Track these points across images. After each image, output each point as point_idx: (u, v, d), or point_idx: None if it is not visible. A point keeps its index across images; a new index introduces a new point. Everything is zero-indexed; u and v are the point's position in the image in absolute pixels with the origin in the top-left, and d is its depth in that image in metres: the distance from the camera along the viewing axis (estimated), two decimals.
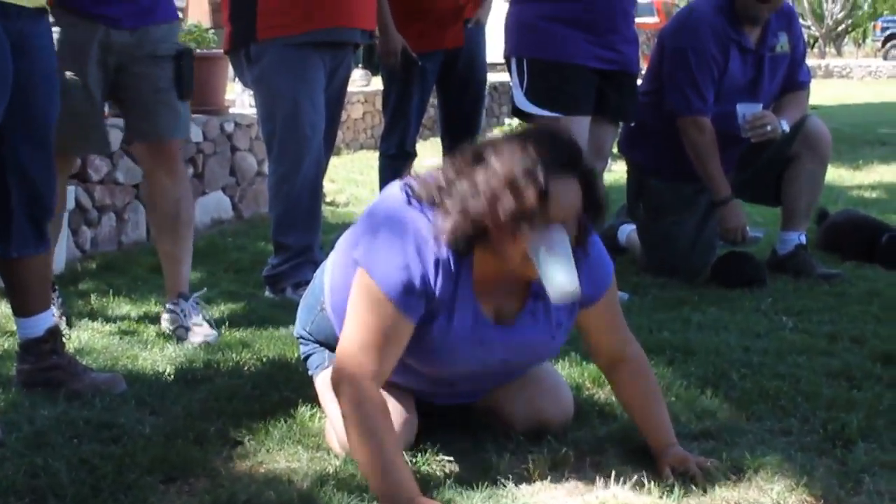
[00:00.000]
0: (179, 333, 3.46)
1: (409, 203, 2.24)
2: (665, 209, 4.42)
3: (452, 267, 2.23)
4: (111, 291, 3.99)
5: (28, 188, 2.76)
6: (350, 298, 2.27)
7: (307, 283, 3.39)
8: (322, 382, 2.57)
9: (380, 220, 2.28)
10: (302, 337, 2.72)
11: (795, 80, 4.40)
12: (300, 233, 4.05)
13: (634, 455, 2.43)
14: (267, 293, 4.12)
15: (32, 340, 2.88)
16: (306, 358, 2.71)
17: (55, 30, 3.20)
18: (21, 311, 2.90)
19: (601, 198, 2.26)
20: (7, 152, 2.70)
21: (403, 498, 2.07)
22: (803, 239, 4.45)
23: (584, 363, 3.05)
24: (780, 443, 2.51)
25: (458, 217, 2.15)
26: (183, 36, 6.43)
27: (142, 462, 2.33)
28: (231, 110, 6.48)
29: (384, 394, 2.30)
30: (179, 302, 3.53)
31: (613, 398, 2.72)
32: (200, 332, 3.45)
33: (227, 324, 3.63)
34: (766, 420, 2.67)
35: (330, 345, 2.57)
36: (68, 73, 3.25)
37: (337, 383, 2.22)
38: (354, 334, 2.23)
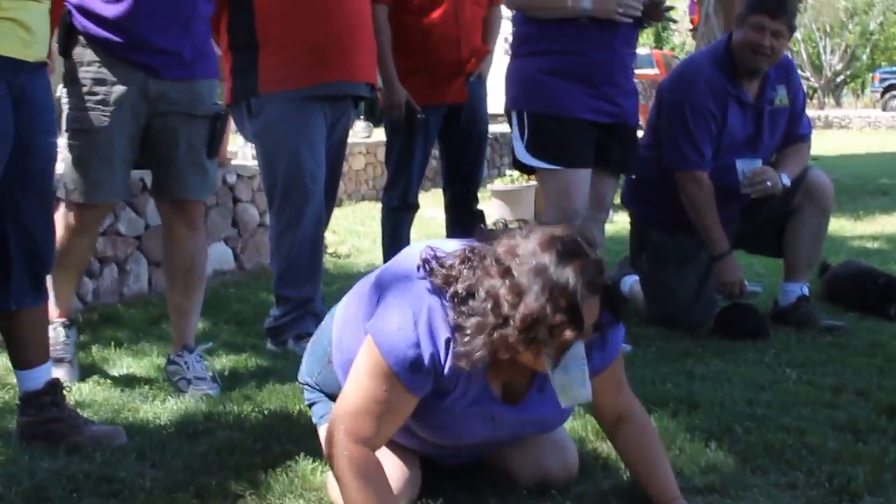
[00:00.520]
0: (181, 385, 3.45)
1: (426, 279, 2.20)
2: (667, 261, 4.41)
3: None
4: (112, 343, 3.98)
5: (27, 241, 2.77)
6: (355, 361, 2.26)
7: (308, 335, 3.42)
8: (326, 433, 2.54)
9: (394, 289, 2.25)
10: (307, 384, 2.70)
11: (796, 132, 4.41)
12: (302, 285, 4.05)
13: None
14: (269, 345, 4.11)
15: (32, 393, 2.87)
16: (311, 405, 2.68)
17: (89, 69, 3.22)
18: (21, 363, 2.90)
19: (622, 305, 2.25)
20: (7, 206, 2.70)
21: None
22: (806, 290, 4.44)
23: (588, 416, 3.03)
24: (786, 497, 2.50)
25: (479, 342, 2.09)
26: None
27: None
28: (233, 162, 6.50)
29: (386, 451, 2.30)
30: (184, 354, 3.52)
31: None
32: (202, 385, 3.43)
33: (228, 376, 3.62)
34: (771, 473, 2.65)
35: (335, 397, 2.53)
36: (96, 116, 3.25)
37: (330, 442, 2.21)
38: (353, 398, 2.22)
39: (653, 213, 4.48)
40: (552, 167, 3.83)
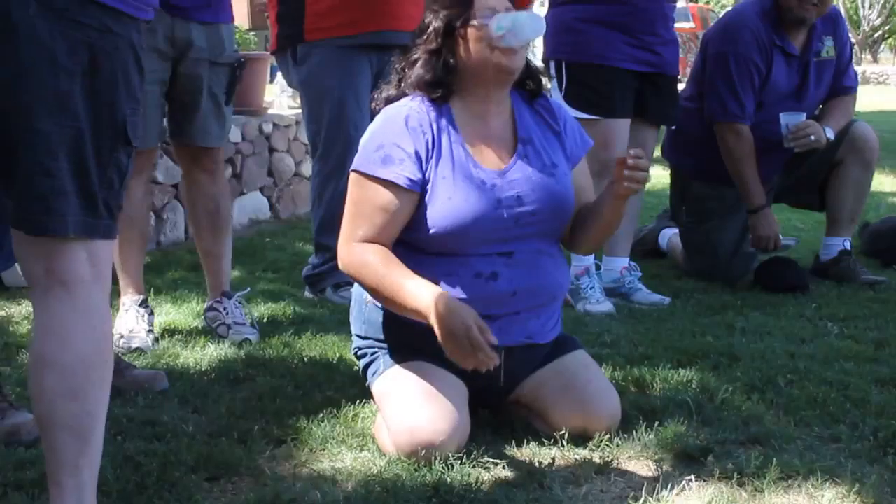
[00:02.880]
0: (220, 331, 3.48)
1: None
2: (708, 214, 4.37)
3: (430, 115, 2.51)
4: (151, 291, 3.99)
5: None
6: (347, 197, 2.54)
7: (347, 284, 3.53)
8: (378, 388, 2.57)
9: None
10: (359, 347, 2.70)
11: (841, 85, 4.34)
12: None
13: (682, 459, 2.40)
14: (307, 293, 4.11)
15: None
16: (365, 368, 2.68)
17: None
18: None
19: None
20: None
21: (422, 314, 2.31)
22: (848, 245, 4.39)
23: (629, 367, 3.03)
24: (830, 450, 2.48)
25: (413, 59, 2.56)
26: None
27: (186, 460, 2.33)
28: (269, 111, 6.49)
29: (437, 395, 2.40)
30: (222, 300, 3.54)
31: (660, 402, 2.69)
32: (242, 330, 3.45)
33: (267, 323, 3.63)
34: (814, 426, 2.62)
35: (384, 339, 2.60)
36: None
37: (342, 263, 2.49)
38: (347, 219, 2.51)
39: (695, 165, 4.43)
40: (591, 117, 3.79)
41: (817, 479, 2.26)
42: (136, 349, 3.29)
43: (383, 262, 2.41)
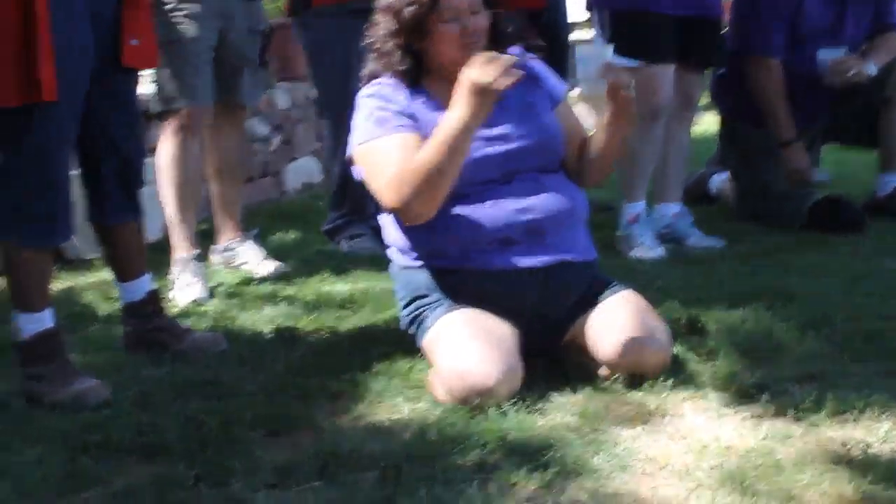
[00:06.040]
0: (249, 267, 3.85)
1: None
2: (758, 154, 4.34)
3: (406, 92, 2.66)
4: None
5: (119, 159, 2.82)
6: (364, 175, 2.67)
7: (360, 235, 4.10)
8: (428, 339, 2.61)
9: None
10: (405, 315, 2.75)
11: (884, 21, 4.29)
12: (357, 197, 4.10)
13: (736, 397, 2.41)
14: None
15: (134, 304, 2.94)
16: (414, 332, 2.72)
17: None
18: (121, 276, 2.97)
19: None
20: (96, 125, 2.75)
21: (460, 118, 2.47)
22: None
23: (683, 309, 3.03)
24: (887, 384, 2.46)
25: (384, 49, 2.66)
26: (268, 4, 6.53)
27: (246, 417, 2.37)
28: None
29: (489, 342, 2.45)
30: (243, 238, 3.98)
31: (714, 343, 2.70)
32: (270, 264, 3.86)
33: (322, 283, 3.67)
34: (871, 363, 2.61)
35: (428, 295, 2.65)
36: (184, 28, 3.58)
37: (396, 202, 2.54)
38: (374, 180, 2.61)
39: (742, 106, 4.39)
40: (635, 63, 3.77)
41: (874, 412, 2.26)
42: (194, 301, 3.47)
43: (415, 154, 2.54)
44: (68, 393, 2.56)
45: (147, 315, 2.94)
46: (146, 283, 2.97)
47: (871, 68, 4.10)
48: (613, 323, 2.58)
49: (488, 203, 2.59)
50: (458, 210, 2.57)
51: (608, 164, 2.84)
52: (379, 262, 3.92)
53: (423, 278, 2.65)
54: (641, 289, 3.20)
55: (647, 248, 3.87)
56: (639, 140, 3.82)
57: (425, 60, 2.66)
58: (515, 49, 2.72)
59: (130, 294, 2.95)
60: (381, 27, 2.68)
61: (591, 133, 2.79)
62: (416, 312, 2.67)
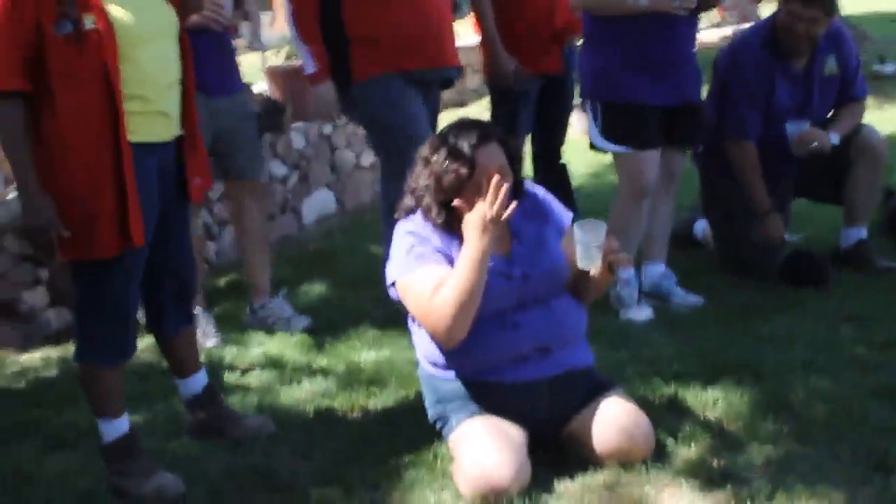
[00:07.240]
0: (277, 326, 4.46)
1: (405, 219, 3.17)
2: (735, 211, 4.79)
3: (442, 231, 3.09)
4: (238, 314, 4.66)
5: (177, 281, 3.28)
6: (409, 308, 3.10)
7: None
8: (452, 440, 3.11)
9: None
10: (433, 414, 3.24)
11: (848, 95, 4.75)
12: None
13: (707, 484, 2.90)
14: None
15: (197, 398, 3.42)
16: (440, 429, 3.22)
17: None
18: (179, 373, 3.43)
19: (517, 153, 3.29)
20: (159, 257, 3.17)
21: (476, 248, 2.94)
22: (864, 234, 4.84)
23: (665, 387, 3.51)
24: (833, 470, 2.93)
25: (424, 202, 3.08)
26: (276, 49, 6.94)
27: None
28: None
29: (499, 445, 2.93)
30: (274, 299, 4.58)
31: (688, 427, 3.20)
32: (300, 321, 4.48)
33: (350, 349, 4.18)
34: (819, 446, 3.08)
35: (452, 401, 3.15)
36: None
37: (438, 328, 3.01)
38: (417, 307, 3.05)
39: (722, 165, 4.80)
40: (625, 150, 4.26)
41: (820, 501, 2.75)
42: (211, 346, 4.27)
43: (444, 282, 3.00)
44: (150, 487, 3.05)
45: (206, 406, 3.42)
46: (202, 377, 3.44)
47: (834, 138, 4.56)
48: (608, 420, 3.08)
49: (504, 329, 3.07)
50: (478, 334, 3.04)
51: (601, 293, 3.38)
52: (396, 320, 4.40)
53: (448, 387, 3.15)
54: (631, 360, 3.74)
55: (636, 311, 4.37)
56: (627, 219, 4.31)
57: (457, 212, 3.07)
58: (528, 185, 3.27)
59: (190, 389, 3.42)
60: (421, 179, 3.13)
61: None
62: (442, 413, 3.18)
